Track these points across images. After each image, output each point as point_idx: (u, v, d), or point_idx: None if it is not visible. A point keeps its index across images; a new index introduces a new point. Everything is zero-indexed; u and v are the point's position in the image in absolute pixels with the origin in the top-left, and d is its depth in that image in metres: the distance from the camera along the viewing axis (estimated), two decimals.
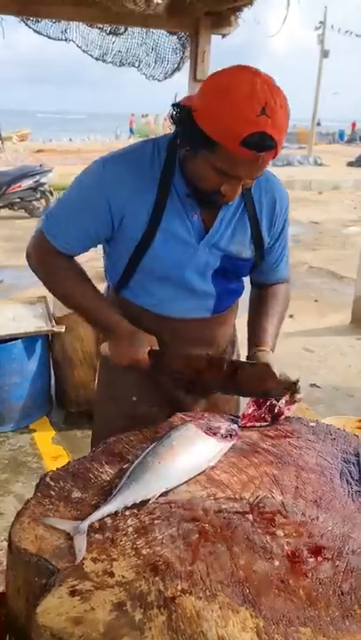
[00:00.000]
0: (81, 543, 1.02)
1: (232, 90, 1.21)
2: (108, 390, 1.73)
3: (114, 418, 1.69)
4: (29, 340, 3.28)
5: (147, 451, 1.24)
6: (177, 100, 1.34)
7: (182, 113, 1.30)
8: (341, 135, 40.17)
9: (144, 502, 1.13)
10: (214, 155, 1.27)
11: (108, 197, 1.42)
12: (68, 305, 1.62)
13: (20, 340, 3.24)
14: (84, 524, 1.05)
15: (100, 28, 3.79)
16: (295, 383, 1.51)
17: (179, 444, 1.26)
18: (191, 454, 1.25)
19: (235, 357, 1.81)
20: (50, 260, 1.51)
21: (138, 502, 1.12)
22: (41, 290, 1.71)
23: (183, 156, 1.39)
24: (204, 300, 1.58)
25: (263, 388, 1.49)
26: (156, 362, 1.50)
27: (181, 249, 1.47)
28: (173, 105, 1.32)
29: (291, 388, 1.50)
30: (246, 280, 1.71)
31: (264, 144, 1.21)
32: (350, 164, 22.67)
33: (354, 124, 42.24)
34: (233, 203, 1.45)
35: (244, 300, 1.74)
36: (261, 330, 1.63)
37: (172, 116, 1.32)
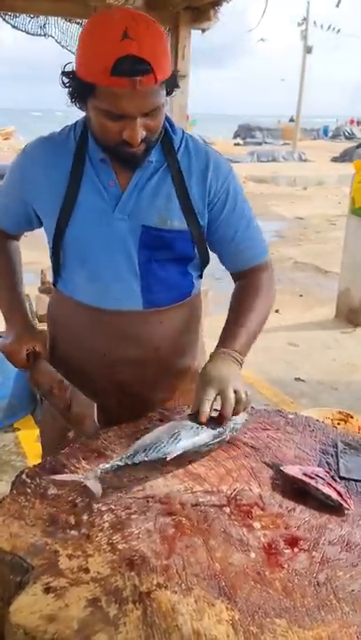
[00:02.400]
0: (96, 487, 1.12)
1: (92, 27, 1.20)
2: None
3: (54, 416, 1.57)
4: None
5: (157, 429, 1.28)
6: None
7: (64, 73, 1.25)
8: (326, 131, 40.35)
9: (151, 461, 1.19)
10: (97, 99, 1.21)
11: (23, 180, 1.45)
12: None
13: (1, 338, 3.21)
14: (95, 472, 1.15)
15: (78, 23, 3.76)
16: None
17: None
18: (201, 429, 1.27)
19: (186, 385, 1.57)
20: None
21: (147, 459, 1.19)
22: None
23: (86, 118, 1.35)
24: (129, 285, 1.43)
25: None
26: (32, 365, 1.51)
27: (98, 221, 1.38)
28: (62, 72, 1.26)
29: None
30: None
31: (135, 68, 1.14)
32: (335, 160, 22.79)
33: (352, 121, 42.41)
34: (150, 164, 1.36)
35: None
36: (228, 330, 1.43)
37: (62, 81, 1.26)
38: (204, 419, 1.26)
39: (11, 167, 1.50)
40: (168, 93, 1.28)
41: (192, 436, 1.24)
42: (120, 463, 1.17)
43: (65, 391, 1.44)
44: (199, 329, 1.64)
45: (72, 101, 1.28)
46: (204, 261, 1.52)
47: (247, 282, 1.52)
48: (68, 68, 1.26)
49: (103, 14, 1.23)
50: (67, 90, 1.26)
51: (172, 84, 1.27)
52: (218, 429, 1.27)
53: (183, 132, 1.45)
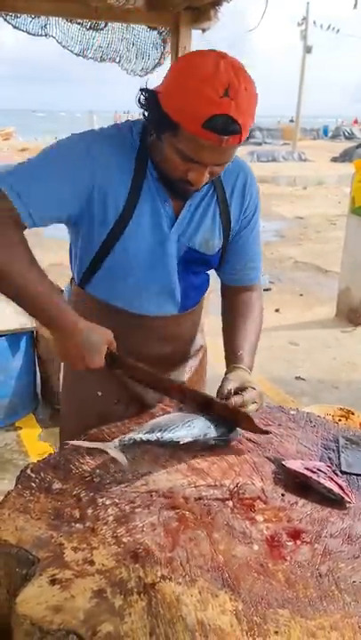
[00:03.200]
0: (119, 455, 1.22)
1: (194, 70, 1.18)
2: (73, 385, 1.65)
3: (80, 412, 1.64)
4: (13, 337, 3.26)
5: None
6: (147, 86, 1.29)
7: (148, 96, 1.26)
8: (326, 131, 40.35)
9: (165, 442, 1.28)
10: (177, 138, 1.23)
11: (94, 169, 1.30)
12: (9, 287, 1.26)
13: (3, 338, 3.22)
14: (114, 442, 1.25)
15: (79, 24, 3.77)
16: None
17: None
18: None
19: (197, 362, 1.71)
20: (8, 230, 1.24)
21: (161, 439, 1.27)
22: None
23: (151, 143, 1.35)
24: (171, 296, 1.51)
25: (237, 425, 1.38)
26: (113, 366, 1.37)
27: (154, 236, 1.41)
28: (141, 89, 1.27)
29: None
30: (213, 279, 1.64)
31: (227, 128, 1.17)
32: (334, 160, 22.78)
33: (355, 121, 42.40)
34: (202, 187, 1.38)
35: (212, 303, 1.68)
36: (237, 346, 1.50)
37: (139, 100, 1.27)
38: (228, 399, 1.33)
39: (66, 150, 1.32)
40: None
41: (205, 427, 1.31)
42: (138, 437, 1.27)
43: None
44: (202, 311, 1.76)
45: (151, 130, 1.30)
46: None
47: (245, 300, 1.60)
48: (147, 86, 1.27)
49: (206, 56, 1.20)
50: (145, 111, 1.28)
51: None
52: (227, 428, 1.34)
53: None
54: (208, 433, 1.31)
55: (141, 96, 1.27)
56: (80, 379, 1.59)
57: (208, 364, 1.82)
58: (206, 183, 1.35)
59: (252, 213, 1.52)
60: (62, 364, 1.66)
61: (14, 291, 1.26)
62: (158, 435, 1.27)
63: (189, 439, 1.27)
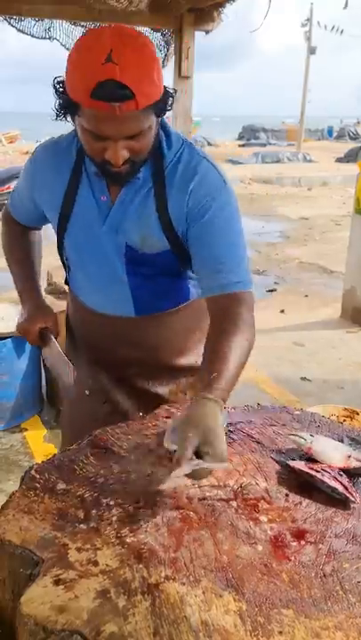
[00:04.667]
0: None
1: (80, 45, 1.17)
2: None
3: (72, 412, 1.68)
4: (19, 339, 3.27)
5: None
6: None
7: (56, 83, 1.23)
8: (330, 131, 40.29)
9: None
10: (81, 117, 1.20)
11: (33, 181, 1.49)
12: (8, 266, 1.70)
13: (9, 340, 3.23)
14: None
15: (83, 26, 3.79)
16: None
17: None
18: None
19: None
20: (7, 225, 1.69)
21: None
22: None
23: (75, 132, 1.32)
24: (120, 295, 1.48)
25: None
26: (44, 343, 1.55)
27: (90, 232, 1.42)
28: (54, 78, 1.24)
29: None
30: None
31: (115, 93, 1.11)
32: (339, 160, 22.75)
33: (359, 122, 42.35)
34: (138, 180, 1.34)
35: None
36: (210, 368, 1.20)
37: (54, 91, 1.24)
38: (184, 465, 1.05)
39: (24, 167, 1.55)
40: (158, 115, 1.25)
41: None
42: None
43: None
44: (205, 326, 1.64)
45: (60, 115, 1.26)
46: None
47: (223, 315, 1.30)
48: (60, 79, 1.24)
49: (93, 32, 1.18)
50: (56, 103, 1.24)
51: (161, 106, 1.23)
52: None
53: (183, 143, 1.39)
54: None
55: (53, 90, 1.24)
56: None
57: None
58: (135, 166, 1.27)
59: (202, 216, 1.33)
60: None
61: (10, 270, 1.68)
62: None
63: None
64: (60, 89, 1.22)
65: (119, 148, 1.21)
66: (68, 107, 1.22)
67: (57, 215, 1.45)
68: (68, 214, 1.42)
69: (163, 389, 1.61)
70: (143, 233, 1.38)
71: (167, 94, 1.24)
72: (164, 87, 1.23)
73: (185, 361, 1.61)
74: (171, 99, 1.25)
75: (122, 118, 1.16)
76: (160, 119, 1.30)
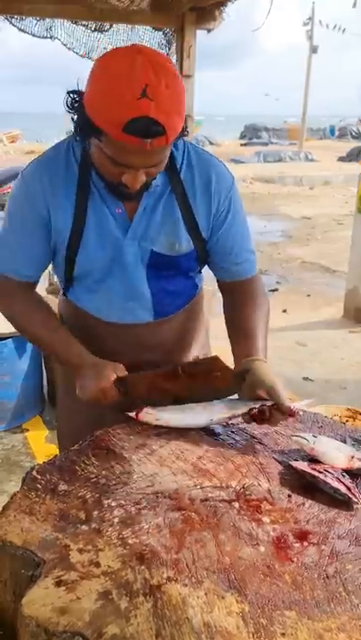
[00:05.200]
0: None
1: (110, 71, 1.12)
2: (66, 387, 1.65)
3: (70, 415, 1.65)
4: (20, 339, 3.27)
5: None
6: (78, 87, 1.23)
7: (74, 98, 1.21)
8: (332, 131, 40.24)
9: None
10: (103, 143, 1.19)
11: (38, 206, 1.36)
12: (31, 340, 1.57)
13: (10, 340, 3.23)
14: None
15: (84, 26, 3.79)
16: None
17: None
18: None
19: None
20: (9, 294, 1.46)
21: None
22: None
23: (87, 148, 1.31)
24: (141, 302, 1.48)
25: (216, 383, 1.38)
26: (124, 389, 1.40)
27: (109, 246, 1.39)
28: (69, 92, 1.22)
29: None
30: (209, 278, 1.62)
31: (149, 130, 1.11)
32: (341, 160, 22.73)
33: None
34: (157, 188, 1.36)
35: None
36: (249, 338, 1.42)
37: (67, 103, 1.21)
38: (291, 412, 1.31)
39: (17, 203, 1.40)
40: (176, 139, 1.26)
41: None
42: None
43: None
44: (202, 317, 1.70)
45: (78, 134, 1.25)
46: (204, 262, 1.54)
47: (245, 294, 1.52)
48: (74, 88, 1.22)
49: (125, 58, 1.12)
50: (71, 118, 1.23)
51: (183, 134, 1.26)
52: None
53: (184, 142, 1.42)
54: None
55: (69, 99, 1.22)
56: (69, 381, 1.58)
57: None
58: (147, 184, 1.29)
59: (226, 211, 1.44)
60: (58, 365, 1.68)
61: (33, 342, 1.58)
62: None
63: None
64: (77, 105, 1.20)
65: (140, 174, 1.23)
66: (87, 129, 1.20)
67: (68, 232, 1.38)
68: (81, 230, 1.37)
69: None
70: (170, 239, 1.40)
71: (185, 121, 1.25)
72: None
73: (191, 355, 1.64)
74: (188, 122, 1.28)
75: (151, 152, 1.17)
76: None
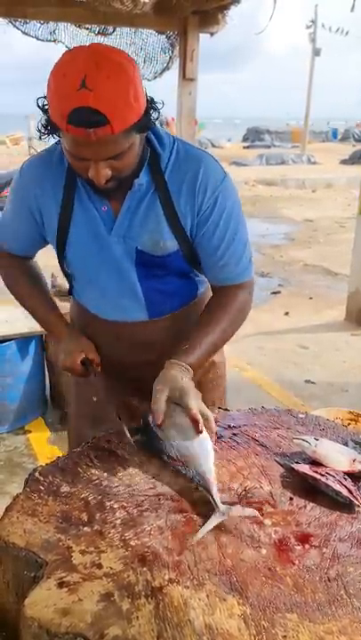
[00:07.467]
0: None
1: (56, 67, 1.16)
2: (75, 388, 1.72)
3: (78, 417, 1.68)
4: (23, 341, 3.28)
5: None
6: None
7: (43, 101, 1.23)
8: (335, 134, 40.24)
9: None
10: (62, 138, 1.23)
11: (28, 198, 1.44)
12: (21, 304, 1.65)
13: (13, 342, 3.24)
14: None
15: (88, 29, 3.80)
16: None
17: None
18: None
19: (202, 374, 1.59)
20: (3, 262, 1.61)
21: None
22: None
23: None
24: (134, 300, 1.49)
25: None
26: (88, 372, 1.49)
27: (95, 243, 1.42)
28: (38, 98, 1.24)
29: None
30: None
31: (90, 120, 1.12)
32: (343, 162, 22.72)
33: (359, 125, 42.32)
34: (141, 187, 1.36)
35: None
36: (191, 342, 1.40)
37: (38, 105, 1.24)
38: (159, 419, 1.25)
39: (12, 189, 1.50)
40: (141, 132, 1.26)
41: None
42: None
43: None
44: None
45: (43, 133, 1.26)
46: (196, 262, 1.51)
47: (222, 298, 1.46)
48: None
49: (69, 55, 1.18)
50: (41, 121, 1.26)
51: (142, 124, 1.22)
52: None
53: (174, 140, 1.41)
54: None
55: (40, 100, 1.24)
56: (76, 384, 1.67)
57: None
58: (122, 180, 1.29)
59: (210, 209, 1.38)
60: None
61: (23, 306, 1.64)
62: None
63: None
64: (46, 107, 1.23)
65: (100, 169, 1.24)
66: (50, 127, 1.23)
67: (55, 228, 1.43)
68: (67, 226, 1.41)
69: None
70: (154, 237, 1.40)
71: (151, 109, 1.24)
72: (149, 101, 1.24)
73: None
74: (156, 112, 1.26)
75: (99, 142, 1.17)
76: (145, 133, 1.31)
